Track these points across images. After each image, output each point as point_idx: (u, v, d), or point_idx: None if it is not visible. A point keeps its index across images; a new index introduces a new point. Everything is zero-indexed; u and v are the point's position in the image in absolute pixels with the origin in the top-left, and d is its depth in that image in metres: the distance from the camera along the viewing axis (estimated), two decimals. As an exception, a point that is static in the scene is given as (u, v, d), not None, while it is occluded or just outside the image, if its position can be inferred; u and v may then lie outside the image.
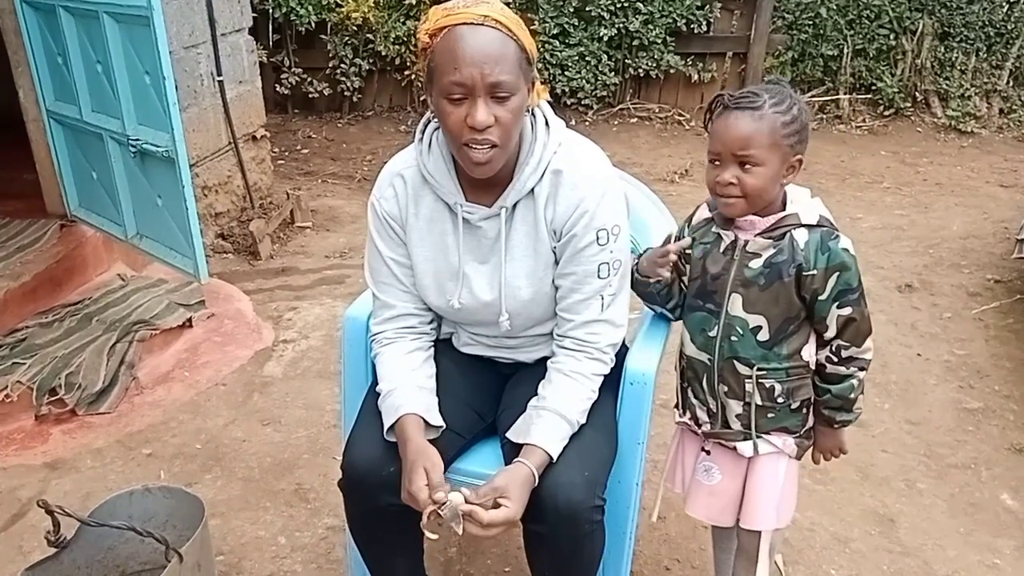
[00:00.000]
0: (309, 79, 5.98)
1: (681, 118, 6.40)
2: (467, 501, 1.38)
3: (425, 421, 1.51)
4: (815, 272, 1.48)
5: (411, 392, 1.54)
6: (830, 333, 1.53)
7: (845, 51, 6.23)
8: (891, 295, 3.69)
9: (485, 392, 1.74)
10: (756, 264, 1.52)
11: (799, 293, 1.51)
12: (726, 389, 1.61)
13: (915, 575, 2.12)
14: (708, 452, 1.71)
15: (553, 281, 1.58)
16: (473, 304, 1.60)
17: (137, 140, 2.85)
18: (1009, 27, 6.21)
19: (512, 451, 1.50)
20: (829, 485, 2.43)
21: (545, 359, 1.63)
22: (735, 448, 1.64)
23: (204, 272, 2.91)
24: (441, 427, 1.54)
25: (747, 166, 1.46)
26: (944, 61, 6.33)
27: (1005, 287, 3.76)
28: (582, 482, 1.46)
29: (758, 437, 1.62)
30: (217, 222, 4.06)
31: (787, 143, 1.46)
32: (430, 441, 1.51)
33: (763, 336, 1.55)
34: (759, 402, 1.58)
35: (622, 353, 1.66)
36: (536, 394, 1.55)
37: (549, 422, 1.48)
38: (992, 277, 3.87)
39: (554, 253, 1.56)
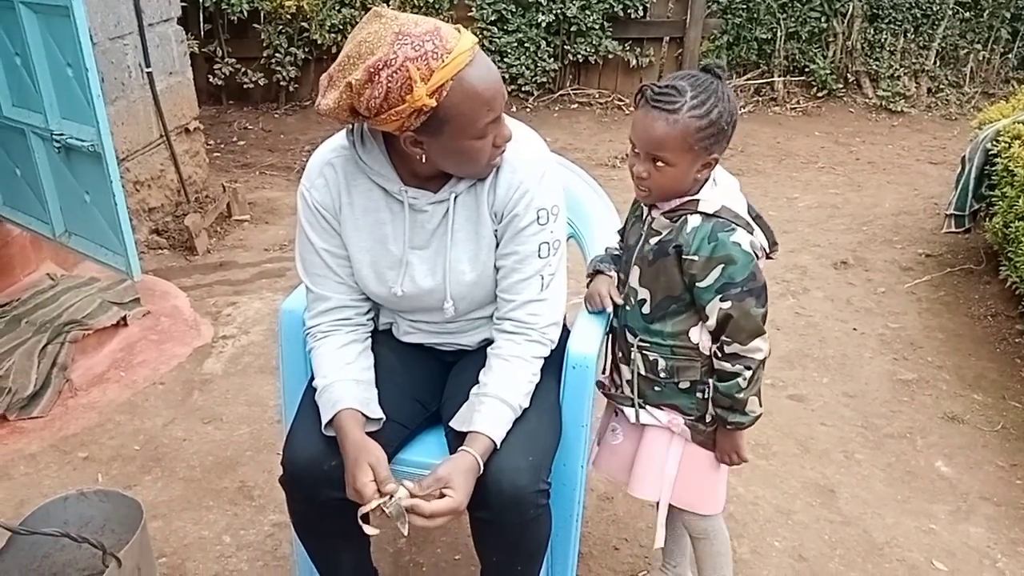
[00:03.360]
0: (243, 69, 5.84)
1: (621, 103, 6.44)
2: (411, 494, 1.36)
3: (364, 415, 1.49)
4: (696, 258, 1.50)
5: (347, 386, 1.52)
6: (710, 324, 1.54)
7: (778, 34, 6.33)
8: (827, 272, 3.77)
9: (428, 381, 1.73)
10: (653, 241, 1.57)
11: (682, 275, 1.54)
12: (620, 355, 1.69)
13: (855, 543, 2.18)
14: (617, 414, 1.78)
15: (495, 263, 1.57)
16: (415, 291, 1.58)
17: (61, 135, 2.75)
18: (935, 8, 6.38)
19: (456, 440, 1.49)
20: (771, 459, 2.48)
21: (487, 343, 1.63)
22: (623, 412, 1.71)
23: (137, 269, 2.83)
24: (381, 419, 1.53)
25: (659, 163, 1.49)
26: (874, 42, 6.48)
27: (936, 261, 3.88)
28: (526, 467, 1.46)
29: (641, 406, 1.67)
30: (151, 217, 3.96)
31: (699, 146, 1.47)
32: (372, 433, 1.49)
33: (646, 309, 1.60)
34: (641, 371, 1.64)
35: (564, 336, 1.67)
36: (478, 381, 1.54)
37: (491, 408, 1.47)
38: (923, 252, 3.98)
39: (495, 236, 1.55)
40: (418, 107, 1.32)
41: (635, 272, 1.61)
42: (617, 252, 1.74)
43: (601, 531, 2.20)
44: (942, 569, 2.10)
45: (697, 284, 1.52)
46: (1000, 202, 3.26)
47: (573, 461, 1.67)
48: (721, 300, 1.50)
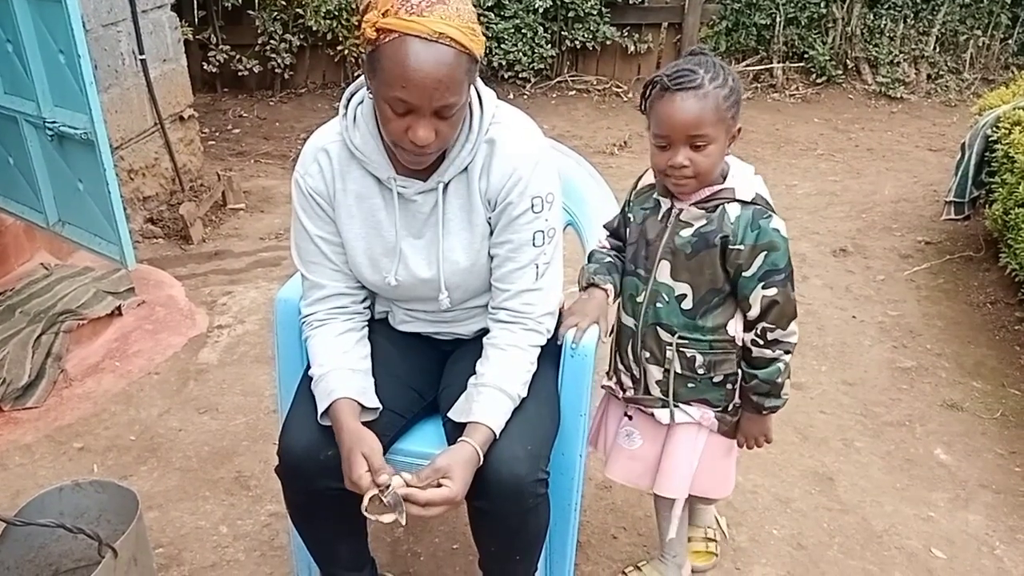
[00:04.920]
0: (238, 56, 5.80)
1: (619, 90, 6.40)
2: (407, 484, 1.35)
3: (361, 404, 1.48)
4: (741, 247, 1.49)
5: (343, 375, 1.50)
6: (753, 313, 1.53)
7: (778, 20, 6.29)
8: (826, 259, 3.76)
9: (424, 370, 1.71)
10: (686, 233, 1.54)
11: (724, 266, 1.52)
12: (648, 355, 1.64)
13: (854, 531, 2.18)
14: (631, 417, 1.74)
15: (489, 252, 1.56)
16: (410, 280, 1.57)
17: (54, 123, 2.72)
18: (934, -7, 6.34)
19: (454, 430, 1.48)
20: (770, 448, 2.46)
21: (484, 332, 1.61)
22: (653, 414, 1.67)
23: (131, 258, 2.80)
24: (378, 409, 1.51)
25: (699, 146, 1.46)
26: (873, 28, 6.44)
27: (935, 248, 3.87)
28: (525, 456, 1.45)
29: (675, 406, 1.64)
30: (145, 206, 3.93)
31: (729, 115, 1.47)
32: (368, 423, 1.48)
33: (687, 304, 1.57)
34: (678, 370, 1.61)
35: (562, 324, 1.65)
36: (475, 371, 1.53)
37: (490, 398, 1.46)
38: (922, 239, 3.97)
39: (489, 224, 1.53)
40: (364, 33, 1.31)
41: (664, 267, 1.57)
42: (610, 258, 1.69)
43: (600, 520, 2.19)
44: (941, 556, 2.10)
45: (743, 273, 1.51)
46: (1000, 189, 3.24)
47: (571, 450, 1.66)
48: (764, 288, 1.50)
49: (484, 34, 1.38)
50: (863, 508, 2.26)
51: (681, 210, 1.55)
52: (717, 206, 1.51)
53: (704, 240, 1.52)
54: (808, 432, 2.56)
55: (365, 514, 1.38)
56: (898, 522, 2.21)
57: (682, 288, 1.56)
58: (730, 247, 1.50)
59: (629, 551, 2.09)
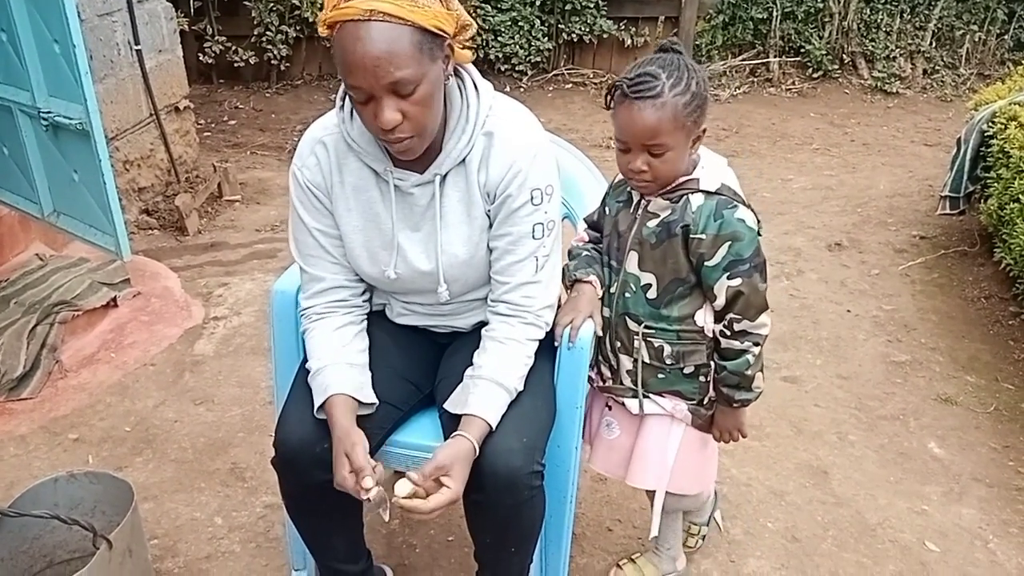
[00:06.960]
0: (234, 47, 5.78)
1: (615, 83, 6.40)
2: (414, 484, 1.36)
3: (357, 400, 1.48)
4: (703, 236, 1.49)
5: (340, 370, 1.50)
6: (719, 303, 1.53)
7: (774, 14, 6.29)
8: (821, 254, 3.76)
9: (421, 363, 1.71)
10: (652, 223, 1.55)
11: (688, 256, 1.52)
12: (619, 344, 1.65)
13: (848, 524, 2.19)
14: (610, 408, 1.75)
15: (488, 244, 1.55)
16: (409, 273, 1.56)
17: (49, 113, 2.72)
18: (931, -12, 6.35)
19: (450, 421, 1.48)
20: (764, 441, 2.48)
21: (481, 325, 1.61)
22: (624, 404, 1.68)
23: (126, 249, 2.80)
24: (374, 404, 1.51)
25: (657, 154, 1.46)
26: (870, 23, 6.44)
27: (930, 243, 3.88)
28: (520, 448, 1.45)
29: (645, 396, 1.65)
30: (141, 197, 3.92)
31: (690, 121, 1.45)
32: (366, 416, 1.49)
33: (651, 294, 1.58)
34: (646, 359, 1.62)
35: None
36: (472, 363, 1.53)
37: (486, 391, 1.46)
38: (918, 233, 3.98)
39: (488, 216, 1.53)
40: (326, 35, 1.33)
41: (632, 257, 1.58)
42: (588, 252, 1.70)
43: (595, 512, 2.20)
44: (934, 550, 2.11)
45: (705, 263, 1.51)
46: (995, 184, 3.25)
47: (567, 442, 1.66)
48: (729, 278, 1.50)
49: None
50: (857, 501, 2.27)
51: (649, 202, 1.56)
52: (682, 196, 1.52)
53: (667, 229, 1.53)
54: (802, 425, 2.57)
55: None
56: (892, 515, 2.22)
57: (647, 278, 1.57)
58: (692, 236, 1.50)
59: (624, 543, 2.10)
